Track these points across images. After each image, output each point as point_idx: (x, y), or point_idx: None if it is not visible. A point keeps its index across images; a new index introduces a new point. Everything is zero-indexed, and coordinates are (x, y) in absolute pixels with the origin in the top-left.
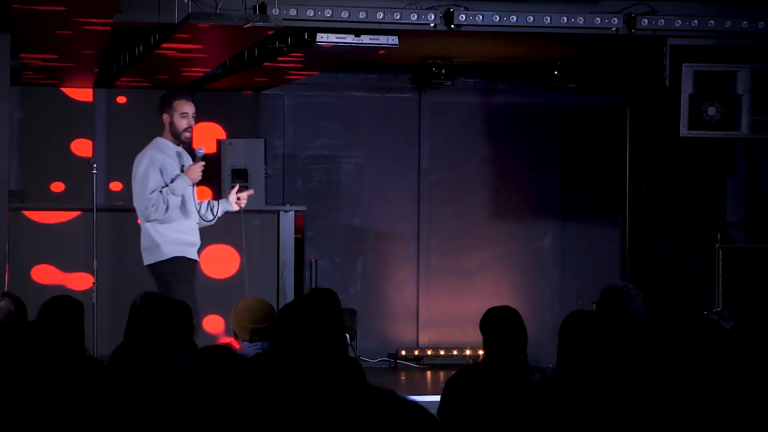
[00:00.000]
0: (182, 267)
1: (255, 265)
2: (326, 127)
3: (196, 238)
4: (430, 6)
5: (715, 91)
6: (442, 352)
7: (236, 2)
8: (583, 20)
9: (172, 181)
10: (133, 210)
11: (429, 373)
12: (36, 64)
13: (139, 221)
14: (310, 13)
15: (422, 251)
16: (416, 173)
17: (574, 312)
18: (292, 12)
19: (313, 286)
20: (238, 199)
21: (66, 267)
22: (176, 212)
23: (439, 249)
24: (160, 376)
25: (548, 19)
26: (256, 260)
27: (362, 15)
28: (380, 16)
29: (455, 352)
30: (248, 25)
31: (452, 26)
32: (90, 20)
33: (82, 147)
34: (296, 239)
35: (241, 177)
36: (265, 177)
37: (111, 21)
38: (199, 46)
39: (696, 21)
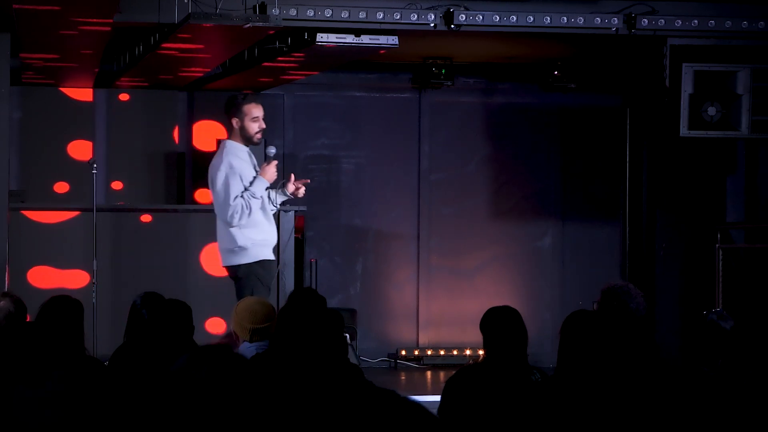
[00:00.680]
0: (264, 269)
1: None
2: (326, 127)
3: (274, 238)
4: (430, 6)
5: (715, 91)
6: (442, 352)
7: (236, 2)
8: (583, 20)
9: (250, 184)
10: (133, 210)
11: (429, 373)
12: (36, 64)
13: (218, 224)
14: (310, 13)
15: (422, 251)
16: (416, 173)
17: (576, 312)
18: (292, 12)
19: (314, 286)
20: (297, 189)
21: (64, 265)
22: (259, 214)
23: (439, 249)
24: (160, 376)
25: (548, 19)
26: None
27: (362, 15)
28: (380, 16)
29: (455, 352)
30: (248, 25)
31: (452, 26)
32: (90, 20)
33: (78, 149)
34: (296, 239)
35: None
36: None
37: (111, 21)
38: (199, 46)
39: (696, 21)
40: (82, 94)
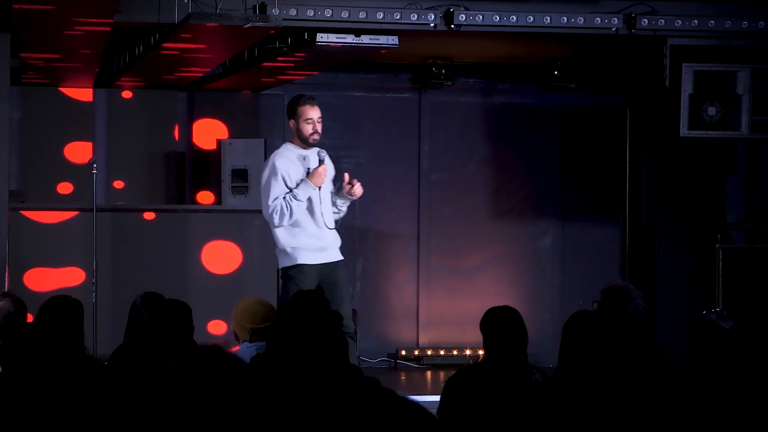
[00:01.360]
0: (304, 273)
1: (255, 265)
2: (326, 127)
3: (322, 242)
4: (430, 6)
5: (715, 91)
6: (442, 352)
7: (236, 2)
8: (583, 20)
9: (296, 186)
10: (133, 210)
11: (429, 373)
12: (36, 64)
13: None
14: (310, 13)
15: (422, 251)
16: (416, 173)
17: (578, 312)
18: (292, 12)
19: None
20: (351, 188)
21: (60, 264)
22: (304, 217)
23: (439, 249)
24: (154, 376)
25: (548, 19)
26: (257, 260)
27: (362, 15)
28: (380, 16)
29: (455, 352)
30: (248, 25)
31: (452, 26)
32: (90, 20)
33: (76, 150)
34: None
35: (241, 177)
36: None
37: (111, 21)
38: (199, 46)
39: (696, 21)
40: (82, 94)
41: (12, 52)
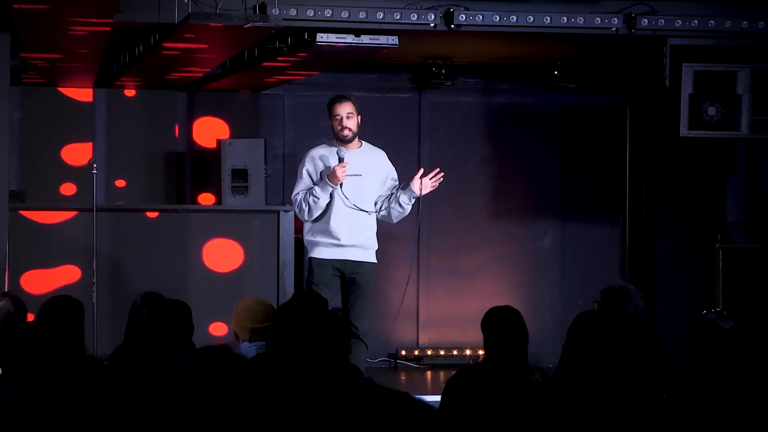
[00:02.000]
0: (317, 266)
1: (256, 263)
2: (326, 127)
3: (342, 239)
4: (430, 6)
5: (715, 91)
6: (442, 352)
7: (236, 2)
8: (583, 20)
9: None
10: (132, 210)
11: (429, 373)
12: (36, 64)
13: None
14: (310, 13)
15: (422, 251)
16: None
17: (585, 312)
18: (292, 12)
19: None
20: (423, 185)
21: (56, 263)
22: (325, 213)
23: (439, 249)
24: (160, 376)
25: (548, 19)
26: (257, 260)
27: (362, 15)
28: (380, 16)
29: (455, 352)
30: (248, 25)
31: (452, 26)
32: (90, 20)
33: (75, 152)
34: (296, 239)
35: (241, 177)
36: (265, 177)
37: (111, 21)
38: (199, 46)
39: (696, 21)
40: (82, 94)
41: (12, 52)
